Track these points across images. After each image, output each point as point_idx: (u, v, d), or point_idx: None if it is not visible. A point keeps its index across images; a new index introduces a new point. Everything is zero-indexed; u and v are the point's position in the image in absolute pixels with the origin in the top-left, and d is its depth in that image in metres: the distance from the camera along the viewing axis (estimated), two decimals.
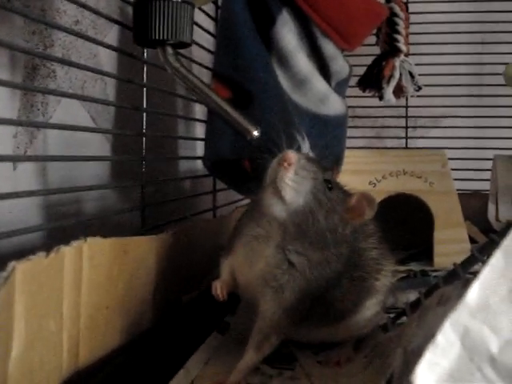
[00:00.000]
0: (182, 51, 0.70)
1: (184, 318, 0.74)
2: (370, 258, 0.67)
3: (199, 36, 0.99)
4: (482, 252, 0.70)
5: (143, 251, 0.65)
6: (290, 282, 0.59)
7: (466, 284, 0.43)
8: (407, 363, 0.51)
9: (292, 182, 0.56)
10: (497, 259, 0.42)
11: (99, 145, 0.84)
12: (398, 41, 1.26)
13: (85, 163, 0.78)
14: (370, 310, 0.68)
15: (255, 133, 0.59)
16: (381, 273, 0.68)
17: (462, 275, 0.69)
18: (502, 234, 0.45)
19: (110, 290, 0.59)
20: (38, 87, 0.69)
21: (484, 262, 0.43)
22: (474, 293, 0.42)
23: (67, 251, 0.51)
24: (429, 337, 0.41)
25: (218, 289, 0.62)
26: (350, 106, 1.12)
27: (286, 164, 0.55)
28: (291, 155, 0.56)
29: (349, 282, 0.63)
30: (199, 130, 1.17)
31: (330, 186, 0.59)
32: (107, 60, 0.86)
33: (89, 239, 0.54)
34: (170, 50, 0.61)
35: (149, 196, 0.79)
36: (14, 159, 0.65)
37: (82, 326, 0.55)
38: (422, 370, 0.39)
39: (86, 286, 0.54)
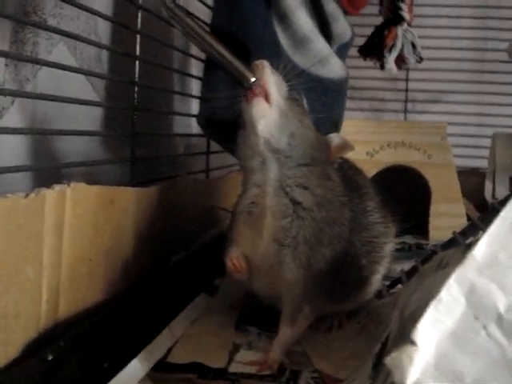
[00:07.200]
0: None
1: (172, 278, 0.72)
2: (375, 221, 0.65)
3: None
4: (483, 220, 0.68)
5: (131, 203, 0.62)
6: (301, 229, 0.56)
7: (468, 249, 0.41)
8: (403, 327, 0.48)
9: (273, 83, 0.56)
10: (507, 212, 0.40)
11: (91, 98, 0.80)
12: (401, 9, 1.22)
13: (75, 117, 0.75)
14: (378, 278, 0.67)
15: (252, 79, 0.56)
16: (388, 237, 0.67)
17: (462, 243, 0.67)
18: (504, 202, 0.42)
19: (95, 241, 0.56)
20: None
21: (485, 231, 0.41)
22: (481, 248, 0.39)
23: (48, 194, 0.48)
24: (427, 300, 0.39)
25: (235, 259, 0.58)
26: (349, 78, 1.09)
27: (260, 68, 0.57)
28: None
29: (361, 244, 0.62)
30: (196, 89, 1.13)
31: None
32: (102, 8, 0.82)
33: (73, 184, 0.51)
34: None
35: (141, 154, 0.76)
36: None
37: (64, 276, 0.52)
38: (424, 327, 0.37)
39: (69, 234, 0.51)
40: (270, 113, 0.55)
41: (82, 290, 0.55)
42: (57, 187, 0.49)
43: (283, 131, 0.55)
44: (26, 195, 0.45)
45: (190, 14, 0.58)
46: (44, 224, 0.48)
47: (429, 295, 0.40)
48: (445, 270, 0.47)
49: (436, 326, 0.37)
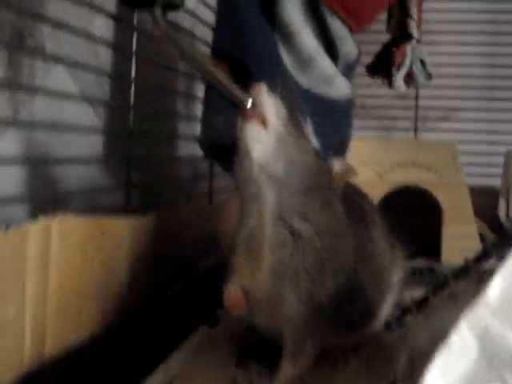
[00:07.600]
0: (184, 27, 0.63)
1: (169, 309, 0.68)
2: (382, 250, 0.61)
3: (203, 13, 0.92)
4: (496, 246, 0.64)
5: (123, 233, 0.59)
6: (301, 261, 0.53)
7: (482, 280, 0.38)
8: (413, 364, 0.45)
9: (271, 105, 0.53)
10: None
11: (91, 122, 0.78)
12: (409, 26, 1.20)
13: (72, 145, 0.72)
14: (386, 308, 0.63)
15: (249, 103, 0.53)
16: (395, 265, 0.64)
17: (474, 271, 0.63)
18: None
19: (84, 274, 0.53)
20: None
21: (499, 257, 0.38)
22: (495, 287, 0.36)
23: (32, 228, 0.45)
24: (438, 337, 0.36)
25: (233, 295, 0.55)
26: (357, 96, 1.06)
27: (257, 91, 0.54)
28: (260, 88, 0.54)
29: (367, 274, 0.58)
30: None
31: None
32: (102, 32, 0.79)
33: (59, 216, 0.48)
34: (159, 11, 0.55)
35: (140, 179, 0.73)
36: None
37: (50, 313, 0.49)
38: (432, 376, 0.33)
39: (55, 268, 0.49)
40: (265, 137, 0.51)
41: (71, 326, 0.52)
42: (41, 220, 0.46)
43: (279, 157, 0.52)
44: (6, 229, 0.42)
45: (182, 34, 0.55)
46: (27, 259, 0.45)
47: (440, 333, 0.37)
48: (457, 304, 0.43)
49: (445, 374, 0.34)
